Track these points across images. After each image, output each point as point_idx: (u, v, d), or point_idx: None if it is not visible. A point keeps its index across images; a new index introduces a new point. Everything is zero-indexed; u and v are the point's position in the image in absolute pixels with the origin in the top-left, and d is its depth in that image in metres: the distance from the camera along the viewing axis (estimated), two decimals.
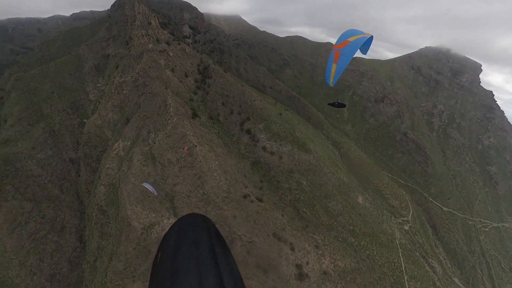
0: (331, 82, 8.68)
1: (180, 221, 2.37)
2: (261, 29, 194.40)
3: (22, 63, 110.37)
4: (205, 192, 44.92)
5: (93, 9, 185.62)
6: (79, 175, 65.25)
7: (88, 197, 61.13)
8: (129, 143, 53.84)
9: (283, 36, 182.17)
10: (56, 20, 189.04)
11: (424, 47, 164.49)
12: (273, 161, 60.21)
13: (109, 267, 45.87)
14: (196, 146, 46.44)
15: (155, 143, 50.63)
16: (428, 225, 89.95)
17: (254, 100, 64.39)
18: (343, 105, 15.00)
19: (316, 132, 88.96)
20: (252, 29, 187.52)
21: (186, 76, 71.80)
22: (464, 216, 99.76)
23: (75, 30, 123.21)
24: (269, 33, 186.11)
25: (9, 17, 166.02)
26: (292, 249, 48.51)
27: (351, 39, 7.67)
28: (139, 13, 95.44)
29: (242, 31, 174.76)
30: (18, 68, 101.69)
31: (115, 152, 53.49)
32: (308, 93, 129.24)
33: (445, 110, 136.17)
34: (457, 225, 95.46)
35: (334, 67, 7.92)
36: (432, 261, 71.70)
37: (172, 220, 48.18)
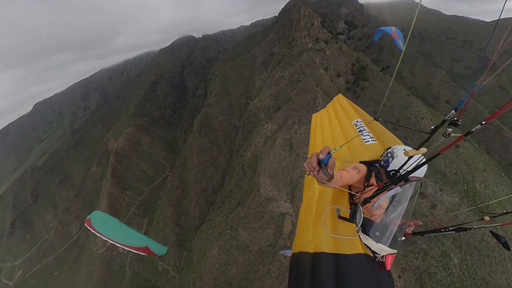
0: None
1: None
2: (447, 13, 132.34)
3: (222, 58, 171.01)
4: None
5: (264, 18, 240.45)
6: (236, 138, 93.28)
7: (237, 154, 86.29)
8: (275, 127, 65.79)
9: (489, 20, 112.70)
10: (241, 29, 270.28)
11: None
12: (419, 206, 44.34)
13: (235, 210, 62.81)
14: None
15: (296, 134, 57.12)
16: None
17: (422, 118, 48.50)
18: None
19: None
20: (431, 14, 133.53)
21: (338, 76, 70.43)
22: None
23: (252, 35, 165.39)
24: (461, 17, 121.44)
25: (219, 30, 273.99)
26: None
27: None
28: (305, 16, 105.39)
29: (412, 19, 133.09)
30: (221, 61, 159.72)
31: (264, 131, 68.32)
32: None
33: None
34: None
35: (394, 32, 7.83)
36: None
37: (288, 205, 54.26)
